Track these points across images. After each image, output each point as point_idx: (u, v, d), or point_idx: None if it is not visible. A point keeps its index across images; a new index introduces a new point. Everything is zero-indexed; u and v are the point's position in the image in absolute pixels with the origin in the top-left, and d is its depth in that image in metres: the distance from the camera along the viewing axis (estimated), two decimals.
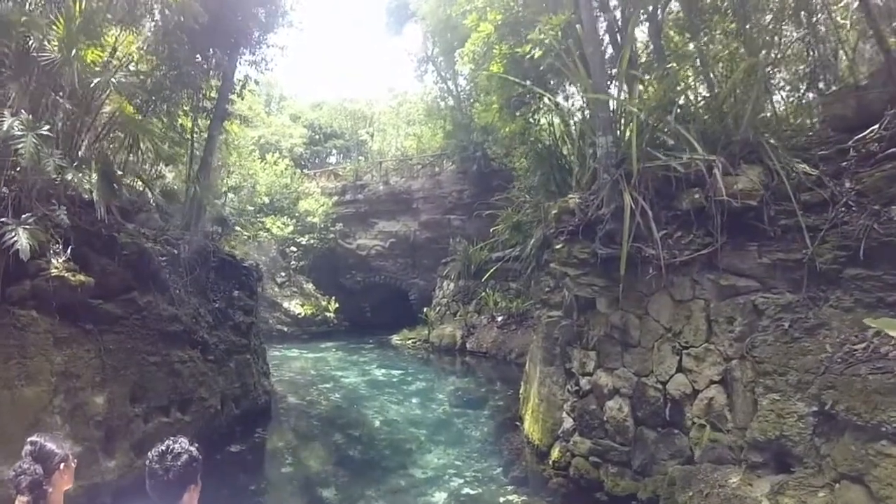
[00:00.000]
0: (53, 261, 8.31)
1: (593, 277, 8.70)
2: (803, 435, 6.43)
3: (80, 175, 8.89)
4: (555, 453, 9.84)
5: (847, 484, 5.83)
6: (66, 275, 8.22)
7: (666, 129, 8.73)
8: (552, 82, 13.07)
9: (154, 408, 9.81)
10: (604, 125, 8.90)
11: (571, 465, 9.46)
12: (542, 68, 11.89)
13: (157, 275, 10.43)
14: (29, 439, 3.46)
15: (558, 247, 8.99)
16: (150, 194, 13.77)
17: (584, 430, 9.32)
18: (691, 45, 11.13)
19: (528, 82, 12.55)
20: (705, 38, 10.78)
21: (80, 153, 9.78)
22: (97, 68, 10.27)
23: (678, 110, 8.88)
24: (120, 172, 12.15)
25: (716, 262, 7.62)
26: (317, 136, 44.40)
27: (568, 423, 9.74)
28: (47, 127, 8.46)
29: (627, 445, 8.62)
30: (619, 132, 9.19)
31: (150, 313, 9.93)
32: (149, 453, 2.99)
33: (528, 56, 11.81)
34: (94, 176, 9.25)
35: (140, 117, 11.57)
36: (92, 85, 10.26)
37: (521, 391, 14.03)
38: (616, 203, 8.31)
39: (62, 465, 3.41)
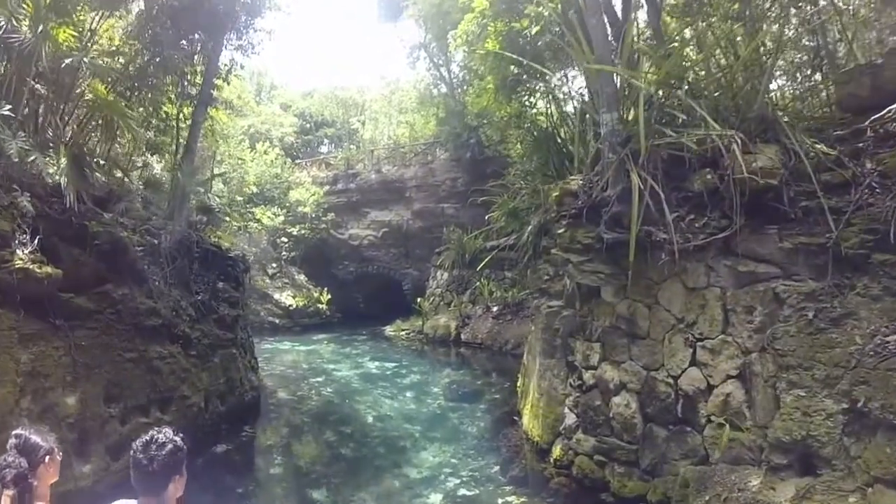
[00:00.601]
0: (18, 252, 7.73)
1: (598, 264, 8.10)
2: (832, 435, 5.98)
3: (47, 159, 8.30)
4: (556, 451, 9.30)
5: (881, 488, 5.41)
6: (31, 266, 7.63)
7: (676, 105, 8.15)
8: (549, 64, 12.46)
9: (131, 408, 9.22)
10: (608, 101, 8.30)
11: (574, 464, 8.92)
12: (539, 44, 11.32)
13: (134, 266, 9.82)
14: (14, 432, 3.44)
15: (560, 231, 8.39)
16: (131, 183, 13.30)
17: (587, 427, 8.78)
18: (687, 32, 10.61)
19: (524, 61, 11.98)
20: (703, 23, 10.22)
21: (49, 136, 9.21)
22: (72, 50, 9.77)
23: (686, 85, 8.31)
24: (103, 162, 11.66)
25: (733, 247, 7.07)
26: (308, 125, 43.68)
27: (570, 419, 9.20)
28: (9, 107, 7.89)
29: (635, 444, 8.08)
30: (624, 109, 8.59)
31: (125, 307, 9.34)
32: (133, 444, 2.96)
33: (524, 31, 11.30)
34: (64, 160, 8.66)
35: (121, 102, 11.12)
36: (63, 65, 9.73)
37: (518, 384, 13.52)
38: (622, 184, 7.73)
39: (47, 458, 3.40)
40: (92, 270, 8.88)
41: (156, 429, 3.04)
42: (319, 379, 17.68)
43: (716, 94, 8.56)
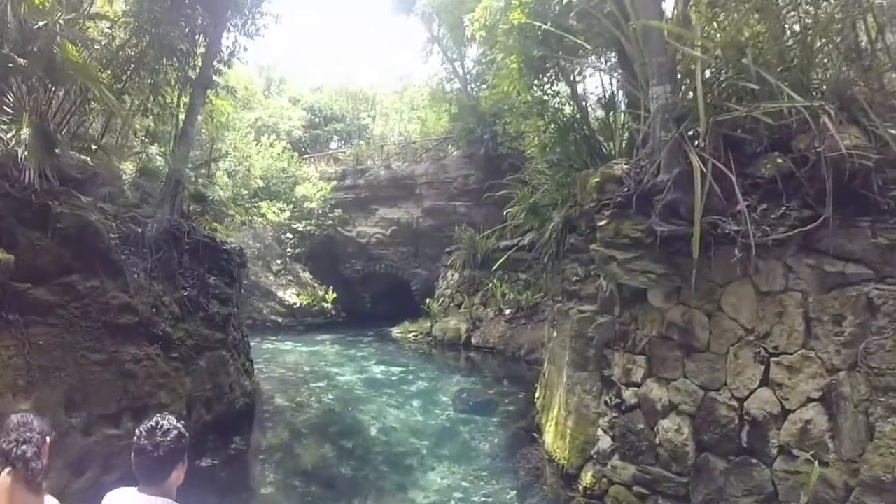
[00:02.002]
0: None
1: (648, 262, 6.78)
2: None
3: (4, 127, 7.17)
4: (586, 478, 8.07)
5: None
6: None
7: (740, 77, 6.92)
8: (581, 38, 11.24)
9: (97, 417, 7.98)
10: (660, 72, 7.02)
11: (608, 495, 7.69)
12: (572, 14, 10.12)
13: (108, 255, 8.61)
14: (17, 413, 3.43)
15: (602, 224, 7.10)
16: (119, 166, 12.26)
17: (626, 453, 7.53)
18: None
19: (553, 43, 10.83)
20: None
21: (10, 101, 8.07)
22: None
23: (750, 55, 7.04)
24: (95, 147, 10.63)
25: (815, 243, 5.83)
26: (317, 120, 42.58)
27: (605, 442, 7.95)
28: None
29: (685, 476, 6.84)
30: (675, 82, 7.35)
31: (94, 301, 8.13)
32: (137, 429, 2.94)
33: (553, 5, 10.15)
34: (26, 131, 7.51)
35: (95, 67, 10.09)
36: (36, 28, 8.66)
37: (536, 396, 12.32)
38: (679, 167, 6.48)
39: (48, 439, 3.36)
40: (54, 258, 7.69)
41: (159, 415, 3.02)
42: (321, 384, 16.48)
43: (779, 68, 7.34)
